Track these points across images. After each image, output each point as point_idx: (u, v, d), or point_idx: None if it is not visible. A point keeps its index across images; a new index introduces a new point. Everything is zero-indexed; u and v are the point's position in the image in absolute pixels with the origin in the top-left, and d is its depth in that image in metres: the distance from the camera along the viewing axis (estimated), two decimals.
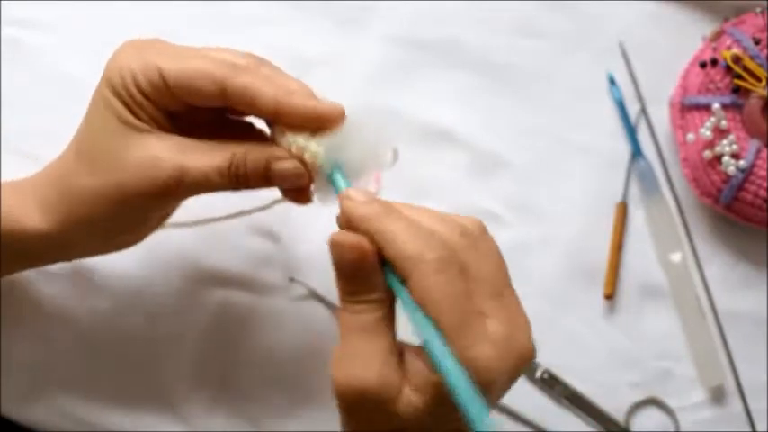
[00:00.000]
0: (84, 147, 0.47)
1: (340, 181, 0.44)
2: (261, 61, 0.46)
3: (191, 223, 0.58)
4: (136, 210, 0.47)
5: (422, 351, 0.39)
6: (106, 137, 0.46)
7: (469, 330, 0.38)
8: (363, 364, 0.39)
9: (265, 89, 0.44)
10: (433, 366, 0.38)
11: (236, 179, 0.45)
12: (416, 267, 0.38)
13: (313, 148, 0.44)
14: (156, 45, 0.46)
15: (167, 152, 0.45)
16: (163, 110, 0.46)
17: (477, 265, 0.40)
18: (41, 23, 0.63)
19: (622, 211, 0.62)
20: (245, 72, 0.44)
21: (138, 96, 0.45)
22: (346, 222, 0.41)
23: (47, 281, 0.59)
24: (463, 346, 0.38)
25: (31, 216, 0.48)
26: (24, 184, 0.49)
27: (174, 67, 0.44)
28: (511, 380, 0.40)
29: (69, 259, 0.53)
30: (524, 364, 0.40)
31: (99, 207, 0.46)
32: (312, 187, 0.46)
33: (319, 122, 0.44)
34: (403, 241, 0.39)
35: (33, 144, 0.57)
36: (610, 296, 0.61)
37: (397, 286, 0.39)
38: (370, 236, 0.40)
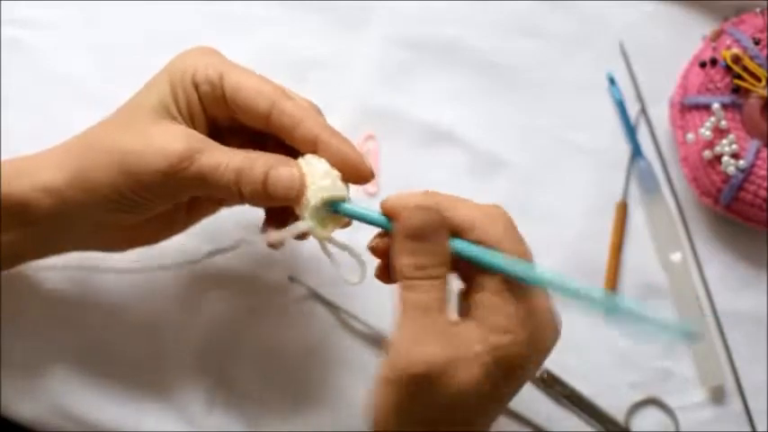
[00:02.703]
0: (122, 112, 0.50)
1: (355, 206, 0.47)
2: (313, 106, 0.50)
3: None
4: (139, 185, 0.47)
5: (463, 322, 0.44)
6: (142, 110, 0.48)
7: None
8: (433, 341, 0.42)
9: (308, 119, 0.48)
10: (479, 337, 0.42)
11: (241, 180, 0.46)
12: (497, 225, 0.45)
13: (320, 169, 0.46)
14: (222, 55, 0.50)
15: (187, 138, 0.47)
16: (208, 118, 0.49)
17: None
18: (41, 23, 0.63)
19: (622, 211, 0.62)
20: (293, 100, 0.48)
21: (191, 89, 0.48)
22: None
23: (48, 280, 0.59)
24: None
25: (44, 169, 0.49)
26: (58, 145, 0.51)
27: (234, 75, 0.48)
28: None
29: (67, 248, 0.53)
30: None
31: (107, 168, 0.47)
32: (304, 214, 0.47)
33: (347, 166, 0.47)
34: (471, 207, 0.45)
35: (33, 144, 0.57)
36: None
37: (472, 249, 0.43)
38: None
